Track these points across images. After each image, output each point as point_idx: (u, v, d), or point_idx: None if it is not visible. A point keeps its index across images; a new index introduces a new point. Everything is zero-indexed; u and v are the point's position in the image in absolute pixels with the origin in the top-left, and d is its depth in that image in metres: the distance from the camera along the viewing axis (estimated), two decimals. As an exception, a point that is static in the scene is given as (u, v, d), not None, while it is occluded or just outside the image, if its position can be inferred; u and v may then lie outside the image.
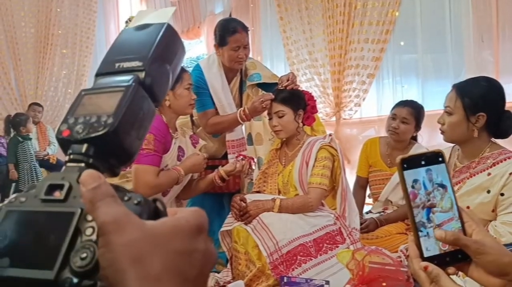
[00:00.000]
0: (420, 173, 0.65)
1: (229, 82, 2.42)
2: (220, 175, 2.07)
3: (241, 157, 2.13)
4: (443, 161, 0.66)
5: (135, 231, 0.29)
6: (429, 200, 0.64)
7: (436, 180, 0.65)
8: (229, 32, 2.26)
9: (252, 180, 2.38)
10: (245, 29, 2.30)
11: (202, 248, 0.31)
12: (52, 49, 5.66)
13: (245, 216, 1.98)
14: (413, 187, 0.64)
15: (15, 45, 5.46)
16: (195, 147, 2.15)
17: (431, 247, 0.64)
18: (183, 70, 2.04)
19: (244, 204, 1.99)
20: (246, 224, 1.97)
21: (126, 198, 0.32)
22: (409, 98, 2.61)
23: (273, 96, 2.14)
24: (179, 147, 2.05)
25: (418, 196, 0.64)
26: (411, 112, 2.36)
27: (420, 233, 0.64)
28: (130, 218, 0.29)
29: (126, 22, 6.14)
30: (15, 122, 4.68)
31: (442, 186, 0.65)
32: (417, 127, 2.40)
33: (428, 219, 0.64)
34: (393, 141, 2.43)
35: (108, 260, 0.28)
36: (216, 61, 2.37)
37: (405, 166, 0.64)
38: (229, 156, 2.40)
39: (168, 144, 1.97)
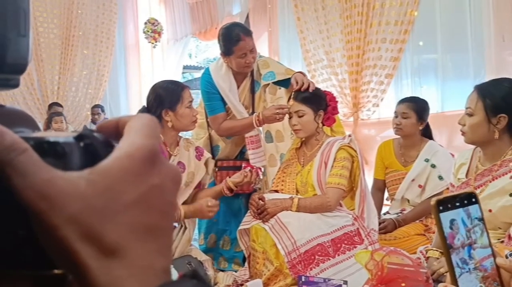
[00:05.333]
0: (458, 212, 0.64)
1: (239, 84, 2.42)
2: (228, 186, 2.08)
3: (249, 167, 2.14)
4: (476, 202, 0.65)
5: (73, 202, 0.23)
6: (469, 237, 0.64)
7: (475, 214, 0.64)
8: (232, 42, 2.23)
9: (260, 189, 2.43)
10: (248, 34, 2.28)
11: (157, 182, 0.25)
12: (73, 50, 5.79)
13: (263, 214, 2.00)
14: (451, 227, 0.63)
15: (37, 47, 5.59)
16: (199, 160, 2.13)
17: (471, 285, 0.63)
18: (183, 88, 2.01)
19: (262, 202, 2.02)
20: (264, 222, 1.99)
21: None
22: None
23: (288, 111, 2.13)
24: (179, 162, 2.06)
25: (457, 236, 0.63)
26: (409, 106, 2.41)
27: (461, 270, 0.63)
28: (58, 184, 0.23)
29: (145, 23, 6.25)
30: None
31: (481, 220, 0.65)
32: (421, 120, 2.39)
33: (470, 256, 0.64)
34: (402, 139, 2.46)
35: (54, 245, 0.23)
36: (225, 64, 2.37)
37: (440, 208, 0.63)
38: (249, 152, 2.42)
39: None
